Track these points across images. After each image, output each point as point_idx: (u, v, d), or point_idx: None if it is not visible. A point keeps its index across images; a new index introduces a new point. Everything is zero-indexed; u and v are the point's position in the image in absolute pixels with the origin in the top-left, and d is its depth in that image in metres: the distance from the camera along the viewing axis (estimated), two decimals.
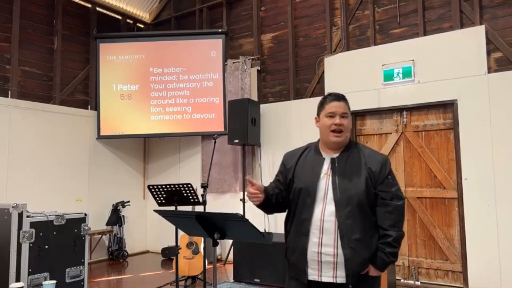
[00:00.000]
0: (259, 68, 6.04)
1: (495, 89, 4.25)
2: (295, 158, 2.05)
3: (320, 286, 1.88)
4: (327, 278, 1.86)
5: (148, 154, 7.10)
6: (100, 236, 6.15)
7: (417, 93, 4.69)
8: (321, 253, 1.85)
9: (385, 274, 3.70)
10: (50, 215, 3.76)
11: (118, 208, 6.25)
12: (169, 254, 6.21)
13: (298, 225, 1.93)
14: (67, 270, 3.85)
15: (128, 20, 7.09)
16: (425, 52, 4.66)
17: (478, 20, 4.46)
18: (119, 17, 6.96)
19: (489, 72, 4.32)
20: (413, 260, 4.68)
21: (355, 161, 1.93)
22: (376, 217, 1.89)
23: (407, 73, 4.75)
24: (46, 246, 3.68)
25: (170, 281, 4.74)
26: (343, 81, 5.12)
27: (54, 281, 3.24)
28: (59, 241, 3.78)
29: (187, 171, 6.57)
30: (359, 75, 5.08)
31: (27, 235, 3.53)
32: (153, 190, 3.91)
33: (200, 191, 4.11)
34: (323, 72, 5.44)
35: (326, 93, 2.09)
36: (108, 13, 6.78)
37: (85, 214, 4.08)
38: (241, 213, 5.42)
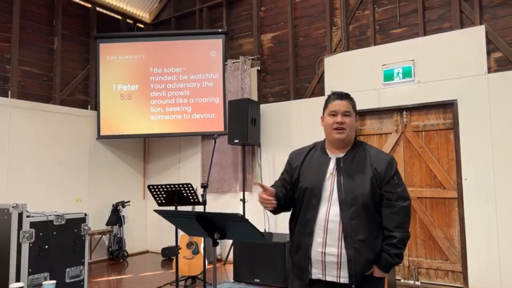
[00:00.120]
0: (259, 68, 6.04)
1: (495, 89, 4.25)
2: (301, 157, 2.04)
3: (323, 286, 1.88)
4: (330, 277, 1.85)
5: (148, 154, 7.10)
6: (100, 236, 6.15)
7: (417, 93, 4.69)
8: (325, 253, 1.85)
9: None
10: (50, 215, 3.76)
11: (118, 208, 6.25)
12: (169, 254, 6.21)
13: (303, 225, 1.93)
14: (67, 270, 3.84)
15: (128, 20, 7.09)
16: (425, 52, 4.66)
17: (478, 20, 4.46)
18: (119, 17, 6.96)
19: (489, 72, 4.32)
20: (413, 260, 4.68)
21: (361, 161, 1.92)
22: (381, 218, 1.88)
23: (407, 73, 4.75)
24: (46, 246, 3.68)
25: (170, 281, 4.73)
26: (343, 81, 5.12)
27: (54, 281, 3.24)
28: (59, 241, 3.78)
29: (187, 171, 6.57)
30: (359, 75, 5.08)
31: (27, 235, 3.53)
32: (153, 190, 3.91)
33: (200, 191, 4.11)
34: (323, 72, 5.44)
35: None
36: (108, 13, 6.78)
37: (85, 214, 4.08)
38: (241, 213, 5.42)
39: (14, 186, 5.22)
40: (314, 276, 1.88)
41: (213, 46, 6.23)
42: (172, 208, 3.93)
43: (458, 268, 4.43)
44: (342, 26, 5.36)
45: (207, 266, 4.39)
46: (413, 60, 4.73)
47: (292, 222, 2.02)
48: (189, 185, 3.87)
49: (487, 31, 4.37)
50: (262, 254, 4.56)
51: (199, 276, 4.74)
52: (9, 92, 5.32)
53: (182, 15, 6.98)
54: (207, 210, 3.78)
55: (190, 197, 3.95)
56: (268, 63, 6.05)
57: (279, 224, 5.50)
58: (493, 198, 4.18)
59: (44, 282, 3.23)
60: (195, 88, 6.21)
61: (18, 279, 3.44)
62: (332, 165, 1.95)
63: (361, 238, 1.82)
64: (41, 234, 3.65)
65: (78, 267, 3.94)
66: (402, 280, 4.70)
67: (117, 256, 6.16)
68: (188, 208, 4.93)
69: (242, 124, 5.44)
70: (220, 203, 6.11)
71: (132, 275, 5.33)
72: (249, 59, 6.05)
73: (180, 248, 4.61)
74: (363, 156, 1.94)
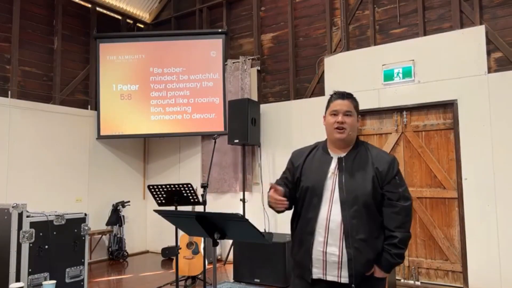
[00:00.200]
0: (259, 68, 6.04)
1: (495, 89, 4.25)
2: (303, 157, 2.04)
3: (324, 286, 1.88)
4: (331, 277, 1.85)
5: (148, 154, 7.10)
6: (100, 236, 6.15)
7: (417, 93, 4.69)
8: (326, 252, 1.85)
9: None
10: (50, 215, 3.76)
11: (118, 208, 6.25)
12: (169, 254, 6.21)
13: (304, 224, 1.93)
14: (67, 270, 3.84)
15: (128, 20, 7.09)
16: (425, 52, 4.66)
17: (478, 20, 4.46)
18: (119, 17, 6.96)
19: (489, 72, 4.32)
20: (413, 260, 4.68)
21: (363, 161, 1.93)
22: (382, 217, 1.88)
23: (407, 73, 4.75)
24: (46, 246, 3.68)
25: (170, 281, 4.73)
26: (343, 81, 5.11)
27: (54, 281, 3.24)
28: (59, 241, 3.78)
29: (187, 171, 6.57)
30: (359, 75, 5.08)
31: (27, 235, 3.53)
32: (153, 190, 3.91)
33: (200, 191, 4.11)
34: (323, 72, 5.44)
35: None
36: (108, 13, 6.78)
37: (85, 214, 4.08)
38: (241, 213, 5.42)
39: (14, 186, 5.22)
40: (315, 276, 1.88)
41: (213, 46, 6.23)
42: (172, 208, 3.93)
43: (458, 268, 4.43)
44: (342, 26, 5.36)
45: (207, 266, 4.38)
46: (413, 60, 4.73)
47: (294, 221, 2.02)
48: (189, 185, 3.87)
49: (487, 31, 4.37)
50: (262, 254, 4.56)
51: (199, 276, 4.74)
52: (9, 92, 5.32)
53: (182, 15, 6.98)
54: (207, 210, 3.78)
55: (190, 197, 3.95)
56: (268, 63, 6.05)
57: (279, 224, 5.50)
58: (493, 198, 4.18)
59: (44, 282, 3.23)
60: (195, 88, 6.21)
61: (18, 279, 3.44)
62: (333, 164, 1.95)
63: (361, 237, 1.82)
64: (41, 234, 3.65)
65: (78, 267, 3.93)
66: (402, 280, 4.70)
67: (117, 256, 6.16)
68: (188, 208, 4.93)
69: (242, 124, 5.44)
70: (220, 203, 6.11)
71: (132, 275, 5.34)
72: (249, 59, 6.05)
73: (180, 248, 4.61)
74: (365, 156, 1.94)
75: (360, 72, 5.07)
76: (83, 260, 3.98)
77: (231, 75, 6.15)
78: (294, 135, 5.56)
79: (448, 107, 4.58)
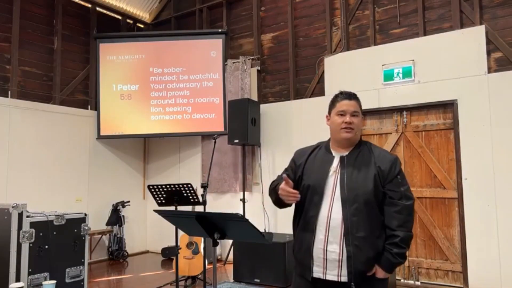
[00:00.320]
0: (259, 68, 6.04)
1: (495, 89, 4.25)
2: (306, 156, 2.05)
3: (325, 284, 1.87)
4: (331, 276, 1.85)
5: (148, 154, 7.10)
6: (100, 236, 6.15)
7: (417, 93, 4.69)
8: (326, 250, 1.85)
9: None
10: (50, 215, 3.75)
11: (118, 208, 6.25)
12: (169, 254, 6.21)
13: (305, 222, 1.94)
14: (67, 270, 3.84)
15: (128, 20, 7.09)
16: (425, 52, 4.67)
17: (478, 20, 4.46)
18: (119, 17, 6.96)
19: (489, 72, 4.32)
20: (413, 260, 4.68)
21: (365, 159, 1.93)
22: (384, 217, 1.88)
23: (407, 73, 4.75)
24: (46, 246, 3.68)
25: (170, 281, 4.73)
26: (343, 81, 5.11)
27: (54, 281, 3.24)
28: (59, 241, 3.78)
29: (187, 171, 6.57)
30: (359, 75, 5.08)
31: (27, 235, 3.53)
32: (153, 190, 3.91)
33: (200, 191, 4.11)
34: (323, 72, 5.44)
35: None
36: (108, 13, 6.78)
37: (85, 214, 4.08)
38: (241, 213, 5.42)
39: (14, 186, 5.22)
40: (315, 274, 1.88)
41: (213, 46, 6.23)
42: (172, 208, 3.93)
43: (458, 268, 4.43)
44: (342, 26, 5.36)
45: (207, 266, 4.39)
46: (413, 60, 4.73)
47: (296, 220, 2.03)
48: (189, 185, 3.87)
49: (487, 31, 4.37)
50: (262, 254, 4.56)
51: (199, 276, 4.74)
52: (9, 92, 5.32)
53: (182, 15, 6.98)
54: (207, 210, 3.78)
55: (190, 197, 3.95)
56: (268, 63, 6.05)
57: (279, 224, 5.50)
58: (493, 198, 4.18)
59: (44, 282, 3.22)
60: (195, 88, 6.21)
61: (18, 279, 3.44)
62: (335, 163, 1.96)
63: (362, 235, 1.81)
64: (41, 234, 3.65)
65: (78, 267, 3.93)
66: (402, 280, 4.70)
67: (117, 256, 6.16)
68: (188, 208, 4.94)
69: (242, 124, 5.44)
70: (220, 203, 6.11)
71: (132, 275, 5.34)
72: (249, 59, 6.05)
73: (180, 248, 4.60)
74: (367, 155, 1.95)
75: (360, 72, 5.07)
76: (83, 260, 3.98)
77: (231, 75, 6.15)
78: (294, 135, 5.56)
79: (448, 107, 4.58)
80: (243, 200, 5.60)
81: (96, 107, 6.27)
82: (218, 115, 6.12)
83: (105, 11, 6.71)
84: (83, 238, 4.01)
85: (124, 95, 6.27)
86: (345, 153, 1.97)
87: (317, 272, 1.88)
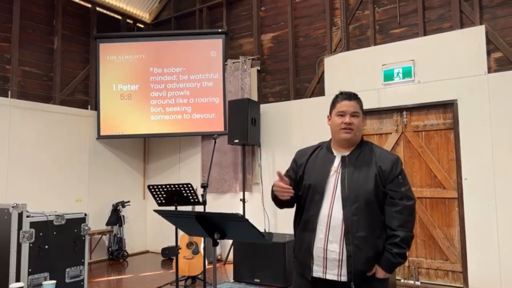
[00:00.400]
0: (259, 68, 6.04)
1: (495, 89, 4.25)
2: (307, 156, 2.06)
3: (325, 284, 1.87)
4: (331, 275, 1.85)
5: (148, 154, 7.10)
6: (100, 236, 6.15)
7: (417, 93, 4.69)
8: (326, 249, 1.85)
9: None
10: (50, 215, 3.75)
11: (118, 208, 6.25)
12: (169, 254, 6.21)
13: (306, 222, 1.94)
14: (67, 270, 3.84)
15: (128, 20, 7.09)
16: (425, 52, 4.67)
17: (478, 20, 4.46)
18: (119, 17, 6.96)
19: (489, 72, 4.32)
20: (413, 260, 4.68)
21: (366, 159, 1.93)
22: (384, 217, 1.88)
23: (407, 73, 4.75)
24: (46, 246, 3.68)
25: (170, 281, 4.73)
26: (343, 81, 5.12)
27: (54, 281, 3.24)
28: (59, 241, 3.78)
29: (187, 171, 6.57)
30: (359, 75, 5.08)
31: (27, 235, 3.53)
32: (153, 190, 3.91)
33: (200, 191, 4.11)
34: (323, 72, 5.44)
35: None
36: (108, 13, 6.78)
37: (85, 214, 4.08)
38: (241, 213, 5.42)
39: (14, 186, 5.22)
40: (315, 274, 1.88)
41: (213, 46, 6.23)
42: (172, 208, 3.93)
43: (458, 268, 4.43)
44: (342, 26, 5.36)
45: (207, 266, 4.39)
46: (413, 60, 4.73)
47: (296, 219, 2.03)
48: (189, 185, 3.87)
49: (487, 31, 4.37)
50: (262, 254, 4.56)
51: (199, 276, 4.74)
52: (9, 92, 5.32)
53: (182, 15, 6.98)
54: (207, 210, 3.78)
55: (190, 197, 3.95)
56: (268, 63, 6.05)
57: (279, 224, 5.50)
58: (493, 198, 4.18)
59: (44, 282, 3.22)
60: (195, 88, 6.21)
61: (18, 279, 3.44)
62: (336, 162, 1.96)
63: (362, 234, 1.81)
64: (41, 234, 3.65)
65: (78, 267, 3.93)
66: (402, 280, 4.70)
67: (117, 256, 6.16)
68: (188, 208, 4.93)
69: (242, 124, 5.44)
70: (220, 203, 6.11)
71: (132, 275, 5.34)
72: (249, 59, 6.05)
73: (180, 248, 4.60)
74: (369, 155, 1.95)
75: (360, 72, 5.07)
76: (83, 260, 3.98)
77: (231, 75, 6.15)
78: (294, 135, 5.56)
79: (448, 107, 4.58)
80: (243, 200, 5.60)
81: (96, 107, 6.27)
82: (218, 115, 6.12)
83: (105, 11, 6.71)
84: (83, 238, 4.00)
85: (124, 95, 6.27)
86: (346, 153, 1.97)
87: (317, 271, 1.88)
